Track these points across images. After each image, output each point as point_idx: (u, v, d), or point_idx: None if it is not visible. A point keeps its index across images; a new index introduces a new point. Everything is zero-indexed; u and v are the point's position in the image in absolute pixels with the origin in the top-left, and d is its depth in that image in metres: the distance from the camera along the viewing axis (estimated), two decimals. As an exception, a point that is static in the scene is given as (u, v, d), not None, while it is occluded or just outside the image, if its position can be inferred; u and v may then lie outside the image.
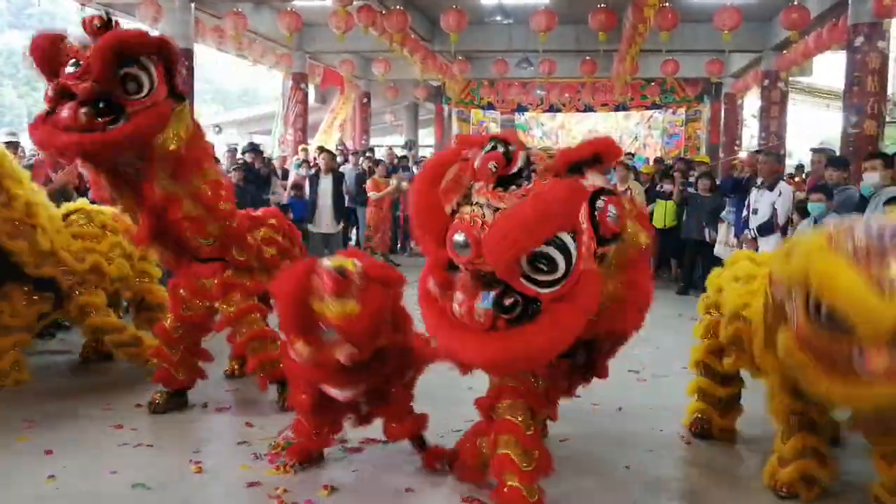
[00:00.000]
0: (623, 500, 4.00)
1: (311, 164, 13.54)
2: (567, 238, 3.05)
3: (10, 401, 5.28)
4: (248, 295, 5.17)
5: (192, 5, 13.74)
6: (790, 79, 19.34)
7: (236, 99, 49.08)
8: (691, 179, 11.44)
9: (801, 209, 7.59)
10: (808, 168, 14.02)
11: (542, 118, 26.09)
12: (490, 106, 25.76)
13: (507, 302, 3.09)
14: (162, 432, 4.86)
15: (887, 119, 12.84)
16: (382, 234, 13.00)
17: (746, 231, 8.59)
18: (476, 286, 3.13)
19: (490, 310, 3.08)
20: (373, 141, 25.25)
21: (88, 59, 4.31)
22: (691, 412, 5.05)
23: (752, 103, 23.61)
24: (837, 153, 10.83)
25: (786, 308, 3.52)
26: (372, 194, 12.73)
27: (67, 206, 5.99)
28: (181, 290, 5.18)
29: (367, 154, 16.33)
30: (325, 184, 11.54)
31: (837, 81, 15.31)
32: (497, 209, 3.10)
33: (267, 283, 4.97)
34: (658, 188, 11.52)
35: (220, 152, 13.52)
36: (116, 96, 4.41)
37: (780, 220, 8.19)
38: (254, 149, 13.35)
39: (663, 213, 11.12)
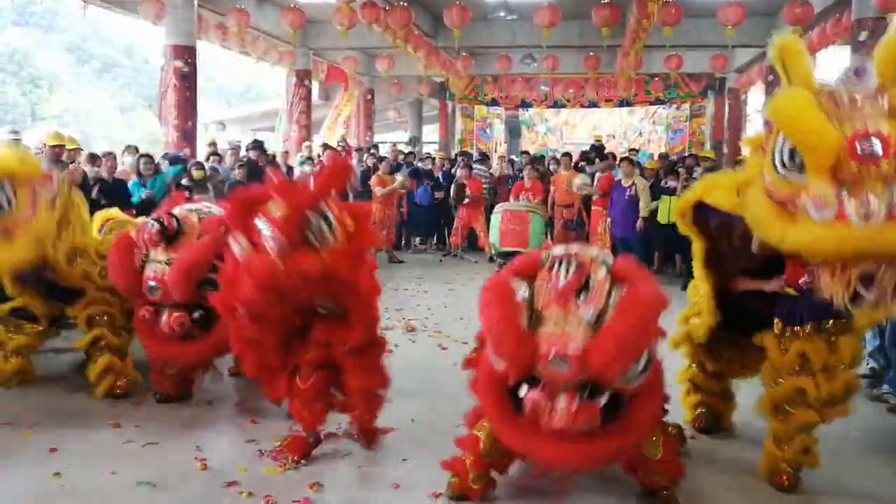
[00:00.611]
0: (625, 495, 3.99)
1: (315, 160, 13.55)
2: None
3: (15, 398, 5.29)
4: None
5: (196, 2, 13.73)
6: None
7: (239, 96, 49.17)
8: (696, 175, 11.42)
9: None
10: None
11: (545, 114, 26.09)
12: (494, 102, 25.76)
13: (602, 404, 3.32)
14: (167, 430, 4.85)
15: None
16: (388, 231, 12.99)
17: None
18: (569, 395, 3.31)
19: (590, 402, 3.30)
20: (377, 138, 25.27)
21: None
22: (691, 406, 5.03)
23: (756, 98, 23.57)
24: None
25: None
26: (378, 189, 12.73)
27: (103, 215, 6.00)
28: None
29: (371, 151, 16.34)
30: (329, 181, 11.44)
31: (842, 76, 15.23)
32: (582, 321, 3.32)
33: None
34: (662, 184, 11.50)
35: (223, 149, 13.54)
36: None
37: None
38: (258, 146, 13.37)
39: (667, 209, 11.10)
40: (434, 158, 15.74)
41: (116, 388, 5.37)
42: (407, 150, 18.14)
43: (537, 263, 3.61)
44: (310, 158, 13.89)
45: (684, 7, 13.92)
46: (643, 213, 10.76)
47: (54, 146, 8.96)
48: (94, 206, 6.33)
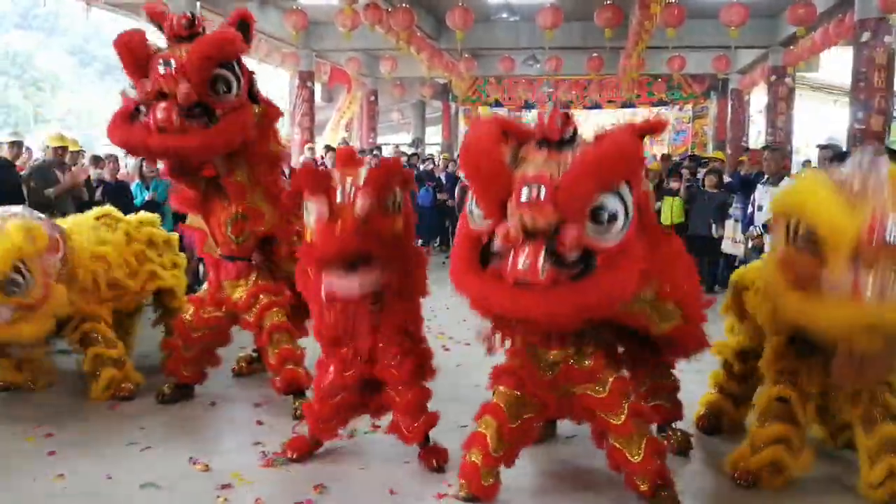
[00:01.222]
0: (630, 498, 3.99)
1: (319, 162, 13.55)
2: (625, 190, 3.22)
3: (19, 401, 5.30)
4: (273, 298, 5.16)
5: (198, 4, 13.73)
6: (797, 74, 19.29)
7: (243, 98, 49.11)
8: (699, 176, 11.43)
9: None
10: (815, 164, 13.98)
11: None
12: (497, 103, 25.74)
13: (570, 258, 3.14)
14: (171, 431, 4.86)
15: (894, 115, 12.80)
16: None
17: (752, 228, 8.55)
18: (535, 245, 3.14)
19: (553, 266, 3.12)
20: (380, 139, 25.26)
21: (184, 60, 4.31)
22: (703, 404, 5.06)
23: (758, 99, 23.53)
24: (844, 149, 10.80)
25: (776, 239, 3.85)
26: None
27: (98, 211, 6.02)
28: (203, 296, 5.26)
29: (375, 152, 16.34)
30: (332, 182, 11.44)
31: (845, 77, 15.27)
32: (562, 165, 3.21)
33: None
34: (665, 185, 11.49)
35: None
36: (208, 98, 4.43)
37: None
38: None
39: (670, 210, 11.08)
40: (434, 158, 15.73)
41: (120, 393, 5.39)
42: (410, 151, 18.14)
43: (528, 132, 3.54)
44: (313, 160, 13.90)
45: (687, 8, 13.91)
46: (646, 214, 10.70)
47: (57, 148, 8.98)
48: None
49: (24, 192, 8.07)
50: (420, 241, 14.99)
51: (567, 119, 3.39)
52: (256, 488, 4.02)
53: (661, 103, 24.66)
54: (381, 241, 3.80)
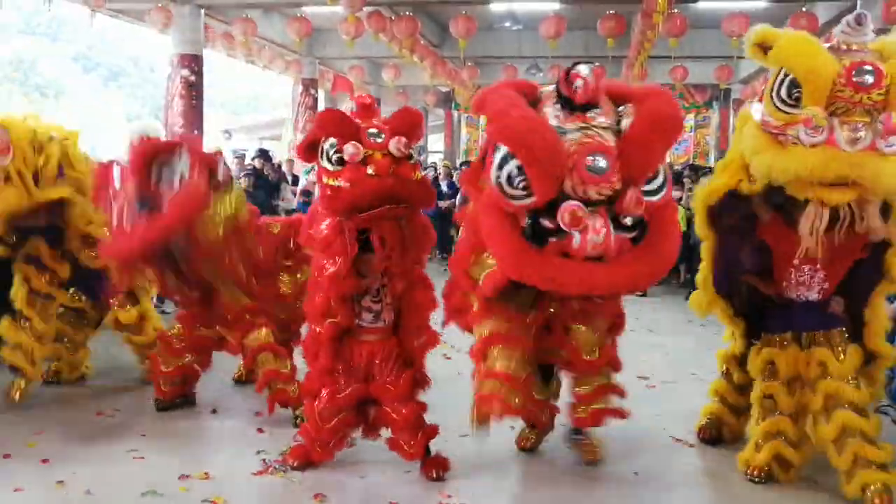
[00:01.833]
0: (632, 497, 3.99)
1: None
2: None
3: (19, 407, 5.29)
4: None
5: (202, 12, 13.79)
6: (800, 85, 19.26)
7: (245, 105, 49.20)
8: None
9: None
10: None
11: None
12: (499, 112, 25.71)
13: (628, 222, 3.22)
14: (171, 438, 4.86)
15: None
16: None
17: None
18: (600, 216, 3.18)
19: (621, 234, 3.21)
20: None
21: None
22: (704, 414, 5.04)
23: (761, 109, 23.54)
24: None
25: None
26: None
27: None
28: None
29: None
30: (335, 189, 11.43)
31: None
32: (607, 128, 3.29)
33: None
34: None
35: (229, 158, 13.55)
36: None
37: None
38: (262, 154, 13.37)
39: (672, 220, 11.10)
40: (436, 166, 15.72)
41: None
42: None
43: (536, 89, 3.59)
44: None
45: (689, 18, 13.92)
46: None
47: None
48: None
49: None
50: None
51: (584, 80, 3.41)
52: (256, 497, 4.03)
53: (664, 112, 24.65)
54: (409, 187, 3.86)
